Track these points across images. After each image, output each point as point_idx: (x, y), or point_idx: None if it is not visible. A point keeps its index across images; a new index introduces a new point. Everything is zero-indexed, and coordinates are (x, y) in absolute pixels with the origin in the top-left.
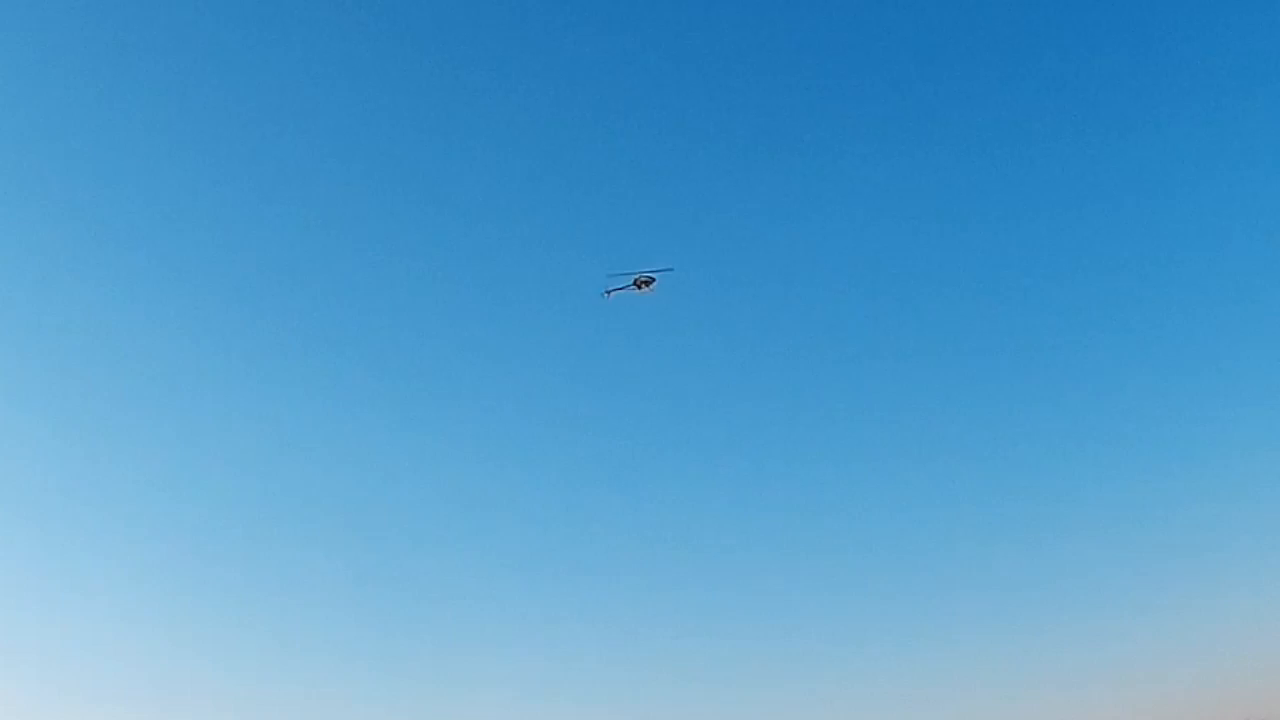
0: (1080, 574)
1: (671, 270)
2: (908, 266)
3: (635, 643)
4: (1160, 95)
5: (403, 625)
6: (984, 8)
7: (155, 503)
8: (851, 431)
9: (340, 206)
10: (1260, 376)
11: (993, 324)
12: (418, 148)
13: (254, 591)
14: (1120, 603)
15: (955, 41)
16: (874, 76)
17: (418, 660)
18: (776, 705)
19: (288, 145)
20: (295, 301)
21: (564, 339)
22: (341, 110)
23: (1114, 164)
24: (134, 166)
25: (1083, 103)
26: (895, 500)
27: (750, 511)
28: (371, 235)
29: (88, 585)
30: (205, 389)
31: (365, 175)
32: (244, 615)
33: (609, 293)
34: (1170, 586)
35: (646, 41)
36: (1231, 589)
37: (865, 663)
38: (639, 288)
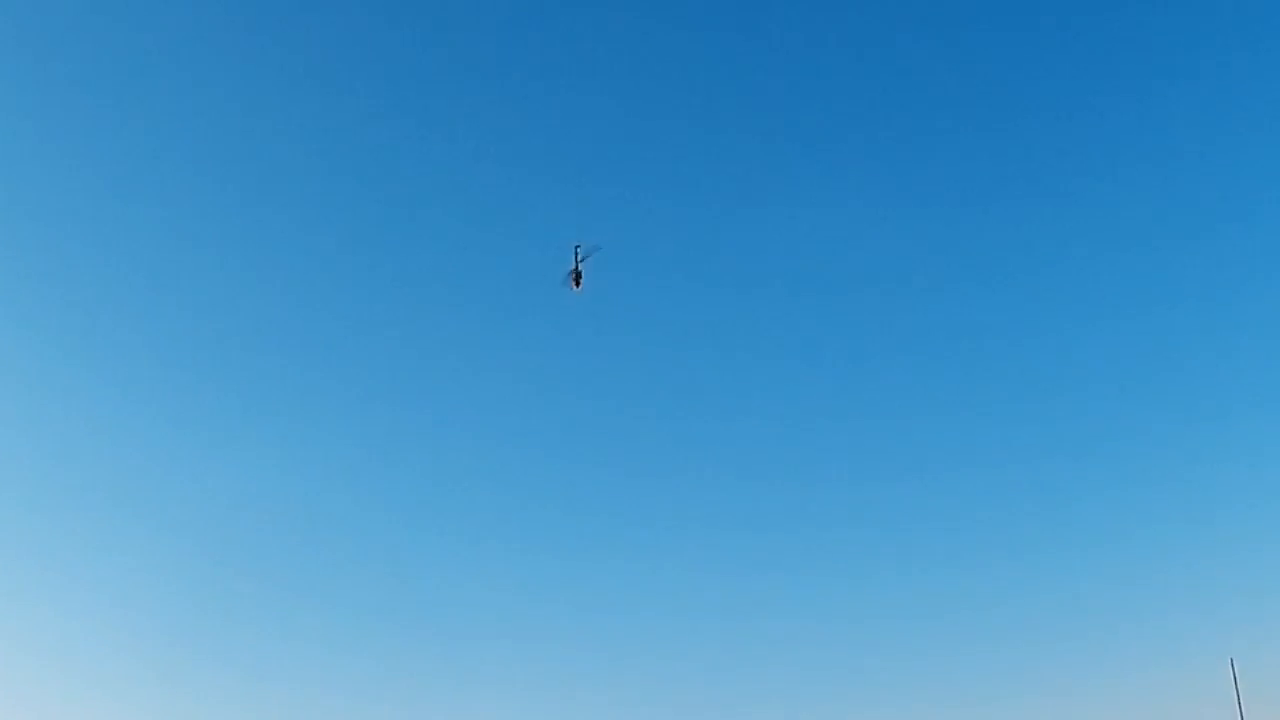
0: (1087, 577)
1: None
2: (905, 258)
3: (633, 640)
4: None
5: (399, 621)
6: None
7: (159, 501)
8: (851, 428)
9: (327, 205)
10: (1261, 379)
11: (995, 318)
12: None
13: (251, 591)
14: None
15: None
16: (873, 64)
17: (415, 658)
18: (774, 705)
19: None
20: (304, 301)
21: (559, 332)
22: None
23: (1109, 149)
24: None
25: (1088, 82)
26: (894, 497)
27: (750, 509)
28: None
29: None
30: (208, 386)
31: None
32: (241, 615)
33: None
34: (1172, 592)
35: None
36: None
37: (866, 662)
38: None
